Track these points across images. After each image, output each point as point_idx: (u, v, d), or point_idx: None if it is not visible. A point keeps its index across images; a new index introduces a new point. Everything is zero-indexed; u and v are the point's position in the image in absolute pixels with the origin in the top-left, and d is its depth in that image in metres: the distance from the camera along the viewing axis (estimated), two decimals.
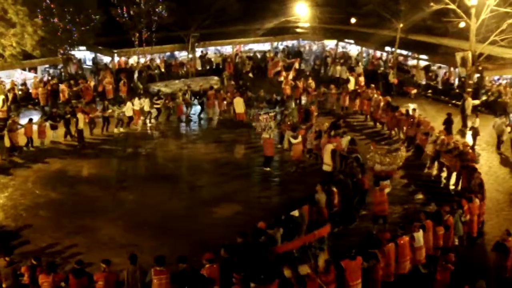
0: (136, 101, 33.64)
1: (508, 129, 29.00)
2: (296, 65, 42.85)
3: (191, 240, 18.86)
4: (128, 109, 32.79)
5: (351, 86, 37.80)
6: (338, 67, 44.90)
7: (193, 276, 14.11)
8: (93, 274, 14.54)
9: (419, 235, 16.82)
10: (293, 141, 26.02)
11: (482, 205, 20.21)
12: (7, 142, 27.84)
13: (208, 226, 20.43)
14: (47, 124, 30.37)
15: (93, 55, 48.50)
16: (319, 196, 19.67)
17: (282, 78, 40.03)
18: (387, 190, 20.58)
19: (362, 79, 39.86)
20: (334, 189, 20.34)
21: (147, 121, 34.45)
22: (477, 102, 33.52)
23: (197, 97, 36.55)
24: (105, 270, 14.44)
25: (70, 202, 22.94)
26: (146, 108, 34.07)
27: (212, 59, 50.16)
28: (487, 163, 27.06)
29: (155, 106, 34.45)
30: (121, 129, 32.74)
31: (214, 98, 35.05)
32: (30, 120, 29.97)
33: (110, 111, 32.69)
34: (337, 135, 26.22)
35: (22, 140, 29.27)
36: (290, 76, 39.51)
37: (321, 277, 14.43)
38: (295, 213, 17.69)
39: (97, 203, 22.85)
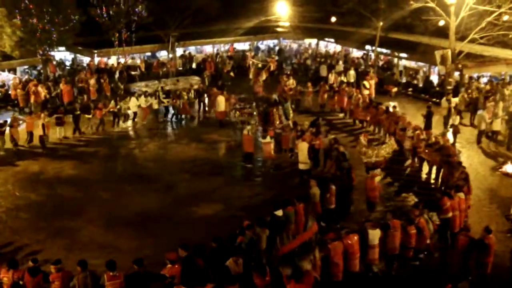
0: (142, 98, 34.06)
1: (489, 121, 29.60)
2: (271, 66, 42.89)
3: (172, 240, 18.62)
4: (133, 105, 33.24)
5: (367, 92, 37.22)
6: (352, 72, 42.58)
7: (145, 278, 13.89)
8: (49, 274, 14.35)
9: (375, 233, 16.72)
10: (262, 140, 26.35)
11: (468, 200, 20.41)
12: (8, 137, 28.63)
13: (188, 226, 20.32)
14: (51, 120, 30.49)
15: (72, 55, 48.16)
16: (313, 191, 19.86)
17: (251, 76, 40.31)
18: (377, 178, 21.53)
19: (373, 82, 38.83)
20: (333, 186, 20.51)
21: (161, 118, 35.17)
22: (457, 99, 33.70)
23: (198, 96, 36.58)
24: (60, 270, 14.24)
25: (50, 204, 22.76)
26: (155, 106, 34.72)
27: (195, 56, 50.26)
28: (467, 161, 27.16)
29: (163, 104, 35.01)
30: (123, 124, 33.55)
31: (216, 96, 34.77)
32: (30, 113, 30.74)
33: (118, 106, 33.24)
34: (320, 133, 26.27)
35: (23, 136, 29.56)
36: (263, 77, 39.51)
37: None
38: (279, 212, 17.66)
39: (76, 204, 22.65)
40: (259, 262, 14.62)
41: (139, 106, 33.78)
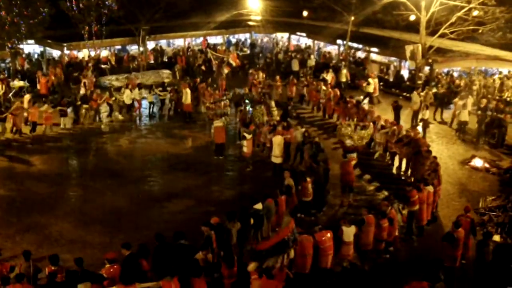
0: (136, 90, 34.06)
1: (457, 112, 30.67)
2: (231, 60, 42.78)
3: (142, 236, 18.58)
4: (127, 96, 33.36)
5: (370, 89, 36.96)
6: (344, 71, 41.65)
7: (82, 277, 13.65)
8: None
9: (349, 230, 16.85)
10: (248, 136, 25.77)
11: (438, 191, 20.85)
12: (9, 124, 29.45)
13: (159, 222, 20.20)
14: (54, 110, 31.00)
15: (41, 48, 47.54)
16: (288, 182, 20.06)
17: (214, 69, 40.26)
18: (353, 162, 22.25)
19: (376, 80, 38.06)
20: (308, 179, 20.67)
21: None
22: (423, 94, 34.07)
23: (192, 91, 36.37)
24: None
25: (19, 199, 22.43)
26: (150, 99, 34.68)
27: (165, 50, 50.08)
28: (436, 155, 27.12)
29: (160, 97, 34.87)
30: (120, 116, 33.70)
31: (204, 90, 34.94)
32: (34, 104, 30.86)
33: (113, 98, 33.55)
34: (290, 127, 26.29)
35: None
36: (226, 70, 39.48)
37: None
38: (259, 206, 17.66)
39: (47, 199, 22.38)
40: (228, 254, 14.72)
41: (133, 98, 33.90)
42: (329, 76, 39.75)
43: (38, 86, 37.25)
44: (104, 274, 13.88)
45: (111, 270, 13.97)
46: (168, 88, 35.31)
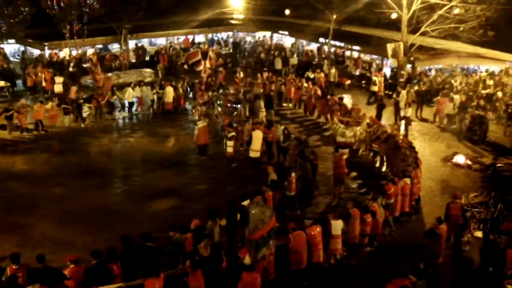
0: (137, 88, 34.00)
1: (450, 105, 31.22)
2: (211, 54, 42.74)
3: (127, 234, 18.53)
4: (129, 95, 33.38)
5: (376, 88, 37.22)
6: (333, 70, 40.92)
7: (45, 274, 13.57)
8: None
9: (337, 224, 17.05)
10: (229, 135, 25.72)
11: (416, 183, 21.08)
12: (15, 121, 29.88)
13: (144, 221, 20.11)
14: (59, 108, 31.54)
15: (22, 48, 47.19)
16: (272, 177, 20.40)
17: (201, 68, 40.15)
18: (344, 156, 22.72)
19: (382, 79, 38.13)
20: (293, 174, 21.00)
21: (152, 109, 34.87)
22: (404, 92, 34.20)
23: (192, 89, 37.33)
24: None
25: (1, 199, 22.13)
26: (150, 97, 34.45)
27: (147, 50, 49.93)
28: (419, 152, 27.31)
29: (158, 95, 34.81)
30: (123, 114, 34.05)
31: (199, 89, 35.02)
32: (41, 102, 31.05)
33: (115, 97, 33.88)
34: (272, 125, 26.27)
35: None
36: (208, 65, 39.55)
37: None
38: (246, 203, 17.72)
39: (29, 199, 22.17)
40: (217, 252, 14.86)
41: (135, 96, 34.01)
42: (317, 76, 39.83)
43: (43, 83, 37.28)
44: (68, 274, 13.81)
45: (75, 270, 13.96)
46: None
